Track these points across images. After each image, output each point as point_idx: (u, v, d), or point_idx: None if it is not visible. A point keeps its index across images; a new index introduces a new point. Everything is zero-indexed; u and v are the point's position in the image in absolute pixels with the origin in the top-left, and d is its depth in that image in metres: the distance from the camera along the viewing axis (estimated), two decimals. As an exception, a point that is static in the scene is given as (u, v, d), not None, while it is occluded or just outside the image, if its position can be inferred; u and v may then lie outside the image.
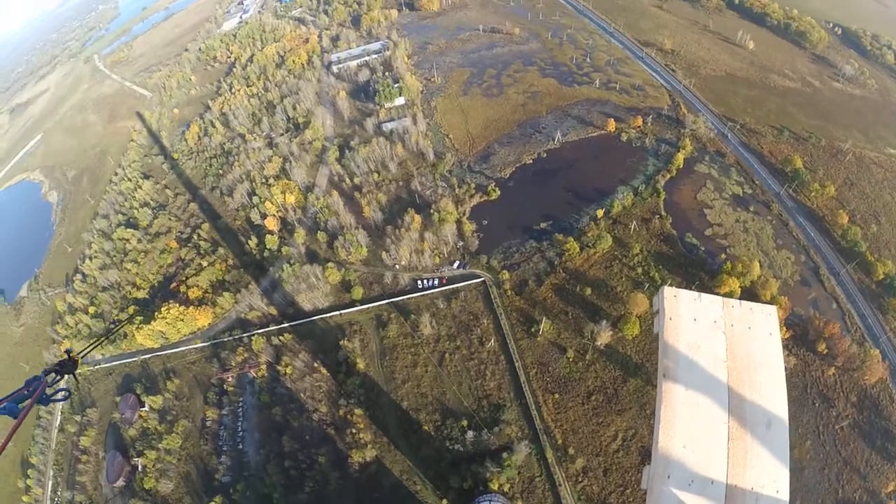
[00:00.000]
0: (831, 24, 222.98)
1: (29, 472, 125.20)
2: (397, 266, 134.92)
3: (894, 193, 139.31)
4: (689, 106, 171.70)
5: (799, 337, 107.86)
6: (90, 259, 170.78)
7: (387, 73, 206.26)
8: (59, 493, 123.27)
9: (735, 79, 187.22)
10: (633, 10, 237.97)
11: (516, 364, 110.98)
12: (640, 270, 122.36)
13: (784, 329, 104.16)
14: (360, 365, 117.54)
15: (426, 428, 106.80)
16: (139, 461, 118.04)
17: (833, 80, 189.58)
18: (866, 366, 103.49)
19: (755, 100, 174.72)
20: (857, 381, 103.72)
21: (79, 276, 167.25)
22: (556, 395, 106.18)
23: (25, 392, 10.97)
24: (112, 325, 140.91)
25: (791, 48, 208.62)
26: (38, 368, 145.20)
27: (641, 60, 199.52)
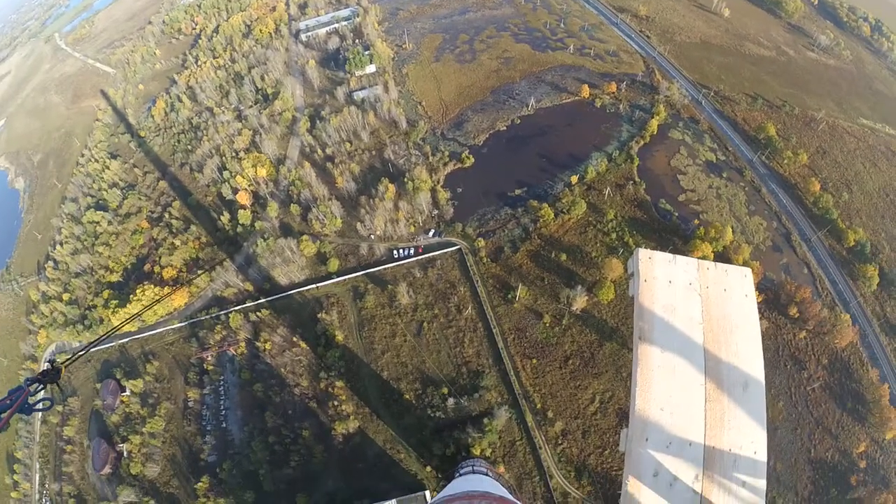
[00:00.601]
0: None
1: (15, 467, 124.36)
2: (372, 236, 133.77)
3: (866, 163, 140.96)
4: (664, 72, 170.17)
5: (771, 301, 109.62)
6: (61, 245, 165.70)
7: (357, 41, 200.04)
8: (46, 485, 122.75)
9: (710, 46, 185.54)
10: None
11: (494, 330, 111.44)
12: (614, 236, 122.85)
13: (756, 293, 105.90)
14: (339, 337, 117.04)
15: (407, 397, 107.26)
16: (124, 447, 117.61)
17: (808, 49, 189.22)
18: (837, 329, 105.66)
19: (729, 67, 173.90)
20: (827, 344, 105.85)
21: (50, 263, 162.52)
22: (534, 360, 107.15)
23: (8, 402, 11.02)
24: (93, 340, 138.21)
25: (766, 17, 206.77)
26: (16, 362, 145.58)
27: (616, 26, 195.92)
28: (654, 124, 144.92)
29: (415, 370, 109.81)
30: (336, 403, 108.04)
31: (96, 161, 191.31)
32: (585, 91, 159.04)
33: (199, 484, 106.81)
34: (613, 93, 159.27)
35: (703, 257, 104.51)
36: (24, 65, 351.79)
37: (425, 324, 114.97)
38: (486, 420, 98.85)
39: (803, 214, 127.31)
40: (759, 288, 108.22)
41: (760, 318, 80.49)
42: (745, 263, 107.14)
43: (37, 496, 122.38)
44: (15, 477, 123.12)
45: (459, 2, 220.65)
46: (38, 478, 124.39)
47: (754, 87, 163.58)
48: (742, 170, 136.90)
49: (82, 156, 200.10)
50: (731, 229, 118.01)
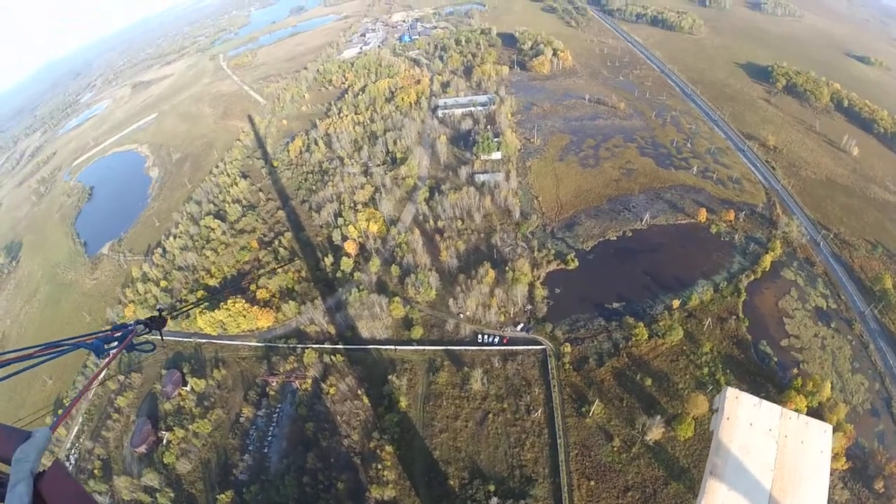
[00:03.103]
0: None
1: (59, 412, 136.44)
2: (462, 315, 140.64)
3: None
4: (785, 207, 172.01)
5: (858, 470, 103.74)
6: (174, 237, 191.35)
7: (489, 127, 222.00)
8: (81, 440, 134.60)
9: (835, 185, 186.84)
10: (740, 101, 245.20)
11: (559, 441, 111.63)
12: (706, 371, 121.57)
13: (844, 459, 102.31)
14: (403, 404, 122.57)
15: (452, 483, 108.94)
16: (166, 435, 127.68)
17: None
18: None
19: (853, 210, 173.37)
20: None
21: (159, 250, 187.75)
22: (592, 483, 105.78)
23: (112, 335, 11.28)
24: (197, 300, 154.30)
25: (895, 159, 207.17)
26: (97, 323, 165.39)
27: (742, 153, 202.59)
28: (767, 260, 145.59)
29: (467, 458, 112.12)
30: (380, 467, 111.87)
31: (227, 175, 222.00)
32: (702, 215, 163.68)
33: (222, 496, 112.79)
34: (731, 221, 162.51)
35: (797, 410, 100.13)
36: (187, 73, 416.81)
37: (491, 415, 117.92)
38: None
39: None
40: (849, 454, 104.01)
41: (842, 488, 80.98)
42: (838, 424, 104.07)
43: (68, 445, 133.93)
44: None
45: (592, 107, 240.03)
46: (76, 430, 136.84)
47: (876, 233, 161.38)
48: (852, 322, 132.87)
49: (216, 167, 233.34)
50: (830, 385, 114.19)
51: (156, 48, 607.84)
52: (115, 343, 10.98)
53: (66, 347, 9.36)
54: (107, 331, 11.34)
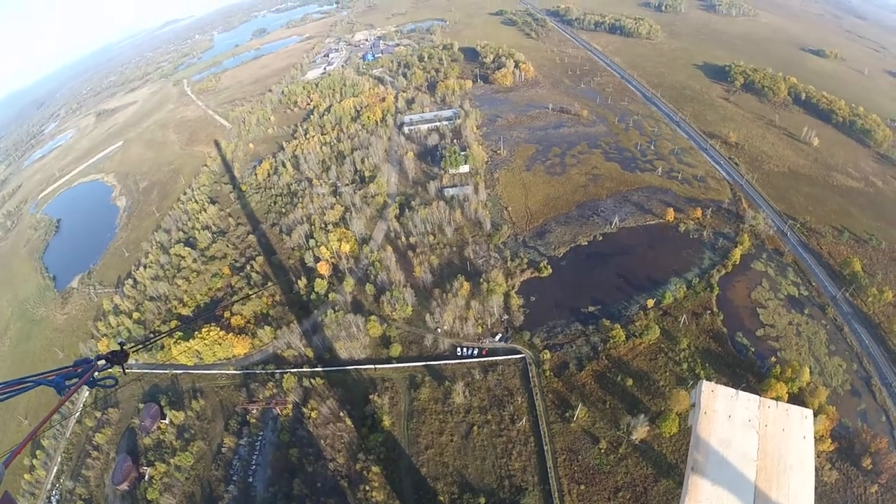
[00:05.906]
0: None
1: (38, 453, 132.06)
2: (439, 330, 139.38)
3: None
4: (750, 201, 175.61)
5: (844, 450, 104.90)
6: (144, 267, 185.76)
7: (455, 141, 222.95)
8: (61, 480, 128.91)
9: (798, 176, 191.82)
10: (700, 101, 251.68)
11: (545, 448, 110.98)
12: (685, 366, 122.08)
13: (829, 441, 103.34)
14: (386, 422, 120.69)
15: (441, 499, 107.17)
16: (147, 470, 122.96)
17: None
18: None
19: (817, 198, 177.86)
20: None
21: (130, 281, 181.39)
22: (582, 487, 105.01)
23: (74, 371, 11.35)
24: (162, 332, 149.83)
25: (855, 146, 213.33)
26: (70, 358, 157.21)
27: (705, 152, 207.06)
28: (737, 254, 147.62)
29: (455, 473, 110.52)
30: (367, 488, 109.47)
31: (196, 202, 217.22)
32: (670, 214, 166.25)
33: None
34: (698, 218, 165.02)
35: (778, 398, 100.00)
36: (151, 99, 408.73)
37: (475, 428, 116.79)
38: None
39: (886, 357, 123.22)
40: (834, 435, 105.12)
41: (830, 469, 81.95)
42: (820, 407, 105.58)
43: (48, 486, 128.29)
44: (34, 461, 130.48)
45: (556, 116, 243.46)
46: (55, 471, 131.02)
47: (841, 219, 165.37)
48: (824, 306, 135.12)
49: (184, 194, 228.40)
50: (808, 370, 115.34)
51: (119, 75, 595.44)
52: (76, 379, 10.90)
53: (27, 385, 9.43)
54: (68, 367, 11.42)
